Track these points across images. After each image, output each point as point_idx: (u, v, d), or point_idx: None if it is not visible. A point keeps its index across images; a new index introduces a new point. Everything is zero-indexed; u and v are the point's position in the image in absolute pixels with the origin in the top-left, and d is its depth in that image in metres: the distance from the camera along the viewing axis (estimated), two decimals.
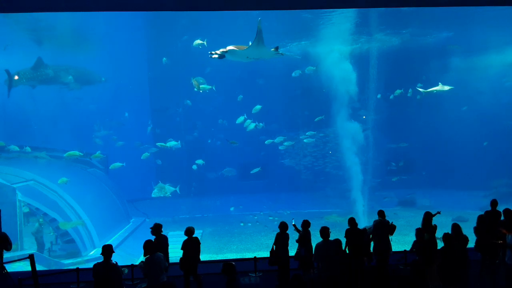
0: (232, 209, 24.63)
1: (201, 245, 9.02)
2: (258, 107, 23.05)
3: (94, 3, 10.60)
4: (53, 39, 22.65)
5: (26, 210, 17.79)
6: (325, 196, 25.09)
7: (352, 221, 9.08)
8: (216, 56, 13.75)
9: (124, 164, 21.66)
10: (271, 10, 16.16)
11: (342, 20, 21.41)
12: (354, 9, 19.12)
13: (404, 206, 24.17)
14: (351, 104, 24.60)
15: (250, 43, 13.41)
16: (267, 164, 27.07)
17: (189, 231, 9.13)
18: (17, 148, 20.60)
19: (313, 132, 24.76)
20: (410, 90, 24.18)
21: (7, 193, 16.66)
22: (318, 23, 21.89)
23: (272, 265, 9.11)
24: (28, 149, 20.75)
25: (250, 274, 10.32)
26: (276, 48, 14.12)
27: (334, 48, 24.81)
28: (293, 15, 20.35)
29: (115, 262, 7.53)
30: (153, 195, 19.62)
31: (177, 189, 19.57)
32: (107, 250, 7.39)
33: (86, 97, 24.65)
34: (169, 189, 19.44)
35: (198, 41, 18.57)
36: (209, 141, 27.47)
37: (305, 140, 24.63)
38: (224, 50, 13.82)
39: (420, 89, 21.28)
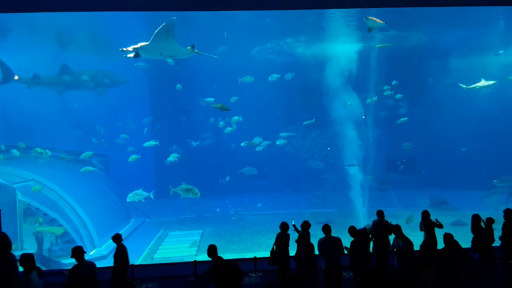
0: (218, 209, 24.73)
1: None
2: (235, 118, 23.84)
3: (94, 3, 10.60)
4: (73, 41, 22.95)
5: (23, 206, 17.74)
6: (325, 196, 25.10)
7: (326, 228, 8.81)
8: (132, 55, 13.43)
9: (96, 168, 21.58)
10: (272, 10, 16.19)
11: (349, 17, 21.31)
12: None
13: (435, 206, 23.25)
14: (351, 102, 24.62)
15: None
16: (267, 164, 27.08)
17: (117, 238, 8.84)
18: (40, 150, 20.80)
19: (287, 133, 24.51)
20: (389, 92, 24.15)
21: (7, 193, 16.67)
22: (321, 21, 21.82)
23: (272, 265, 9.12)
24: (48, 152, 20.90)
25: (250, 274, 10.32)
26: (192, 47, 14.01)
27: (339, 46, 24.80)
28: (295, 13, 20.29)
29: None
30: (128, 200, 19.25)
31: (151, 194, 19.45)
32: (78, 252, 7.39)
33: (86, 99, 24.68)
34: (142, 194, 19.20)
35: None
36: (198, 142, 27.34)
37: (277, 143, 24.40)
38: (136, 46, 13.54)
39: (463, 85, 21.11)
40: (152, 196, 19.37)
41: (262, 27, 22.32)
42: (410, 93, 26.29)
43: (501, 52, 25.10)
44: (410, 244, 8.35)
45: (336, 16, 20.91)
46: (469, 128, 25.50)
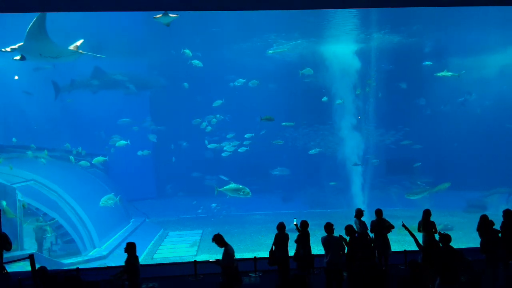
0: (200, 210, 24.71)
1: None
2: (214, 120, 24.80)
3: (94, 3, 10.59)
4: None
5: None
6: (324, 196, 25.12)
7: (328, 227, 8.81)
8: (18, 58, 13.02)
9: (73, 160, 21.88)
10: (271, 10, 16.15)
11: (347, 16, 21.24)
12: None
13: (471, 210, 21.94)
14: (350, 102, 24.68)
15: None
16: (267, 164, 27.11)
17: None
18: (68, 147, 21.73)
19: (251, 134, 24.27)
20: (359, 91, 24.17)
21: (7, 193, 16.66)
22: (321, 21, 21.77)
23: (271, 265, 9.13)
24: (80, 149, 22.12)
25: (250, 274, 10.33)
26: (75, 47, 13.62)
27: (338, 46, 24.78)
28: (295, 14, 20.26)
29: None
30: (101, 204, 19.14)
31: (117, 199, 19.38)
32: None
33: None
34: (114, 199, 19.21)
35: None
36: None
37: (239, 150, 24.23)
38: (14, 46, 12.99)
39: None
40: (118, 202, 19.65)
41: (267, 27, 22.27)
42: (411, 93, 26.29)
43: (428, 63, 24.89)
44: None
45: (336, 15, 20.90)
46: (469, 128, 25.53)
